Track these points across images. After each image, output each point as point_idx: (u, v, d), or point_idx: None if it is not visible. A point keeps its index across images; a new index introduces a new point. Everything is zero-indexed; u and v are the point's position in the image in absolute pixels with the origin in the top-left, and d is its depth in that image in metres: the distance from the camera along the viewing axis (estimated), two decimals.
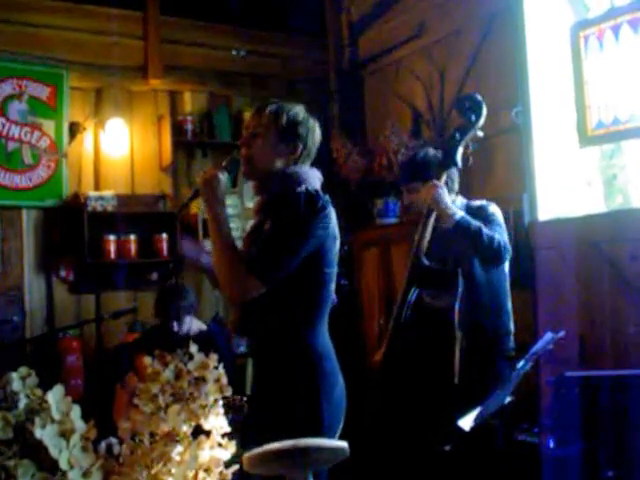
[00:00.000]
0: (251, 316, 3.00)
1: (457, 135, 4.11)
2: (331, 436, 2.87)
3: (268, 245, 2.89)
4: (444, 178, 4.18)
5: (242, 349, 6.28)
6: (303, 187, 2.94)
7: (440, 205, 4.08)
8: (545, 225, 5.57)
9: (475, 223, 4.12)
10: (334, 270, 3.03)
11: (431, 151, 4.59)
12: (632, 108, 4.90)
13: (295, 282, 2.91)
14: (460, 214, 4.11)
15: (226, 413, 2.01)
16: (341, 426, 2.96)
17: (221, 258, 2.92)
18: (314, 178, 3.07)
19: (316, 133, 3.12)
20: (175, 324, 5.11)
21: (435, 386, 3.85)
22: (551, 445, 3.95)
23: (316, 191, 2.96)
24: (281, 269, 2.86)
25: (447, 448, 3.78)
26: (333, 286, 3.06)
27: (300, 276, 2.91)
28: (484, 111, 4.09)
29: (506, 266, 4.43)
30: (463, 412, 3.42)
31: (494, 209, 4.40)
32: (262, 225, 3.04)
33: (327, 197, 2.97)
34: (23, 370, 1.65)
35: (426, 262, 4.04)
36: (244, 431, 3.01)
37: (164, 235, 6.83)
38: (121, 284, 6.77)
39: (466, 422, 3.39)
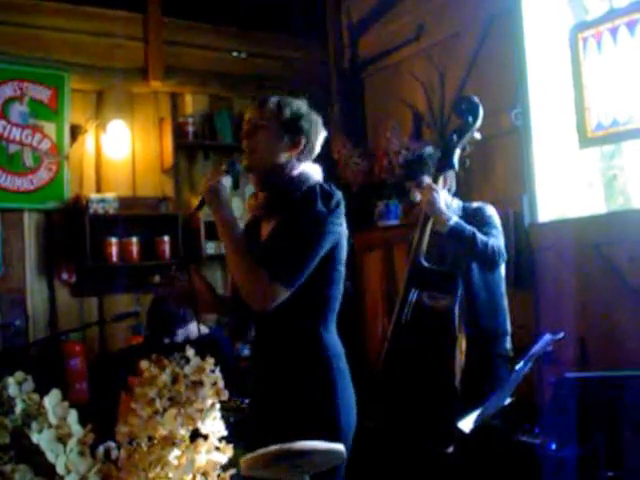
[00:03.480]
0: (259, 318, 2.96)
1: (454, 137, 4.12)
2: (348, 437, 2.84)
3: (288, 247, 2.82)
4: (441, 180, 4.20)
5: (246, 352, 6.29)
6: (313, 182, 2.92)
7: (435, 209, 4.10)
8: (545, 226, 5.58)
9: (469, 228, 4.14)
10: (344, 268, 3.00)
11: (431, 148, 4.64)
12: (631, 109, 4.91)
13: (309, 281, 2.85)
14: (454, 219, 4.12)
15: (227, 416, 2.02)
16: (355, 426, 2.93)
17: (239, 267, 2.85)
18: (318, 174, 3.04)
19: (319, 128, 3.08)
20: (166, 338, 5.07)
21: (435, 387, 3.86)
22: (551, 446, 3.95)
23: (330, 186, 2.92)
24: (304, 271, 2.81)
25: (450, 450, 3.78)
26: (342, 285, 3.02)
27: (314, 275, 2.85)
28: (481, 113, 4.10)
29: (502, 267, 4.45)
30: (462, 413, 3.43)
31: (491, 211, 4.42)
32: (258, 222, 3.06)
33: (340, 194, 2.93)
34: (19, 375, 1.66)
35: (425, 263, 4.04)
36: (247, 434, 2.99)
37: (166, 238, 6.83)
38: (123, 287, 6.77)
39: (466, 424, 3.40)
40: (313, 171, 3.02)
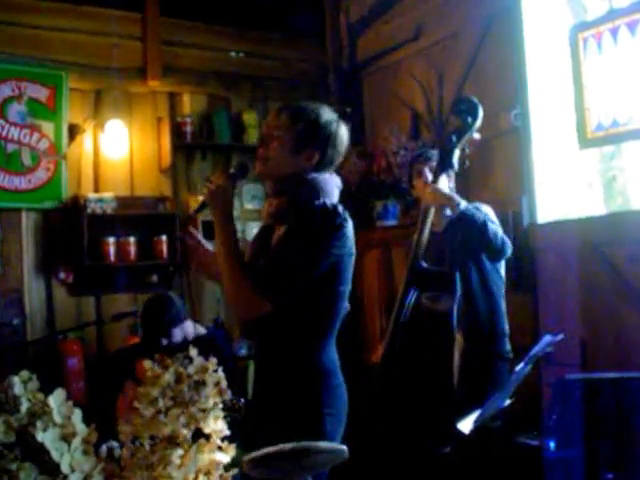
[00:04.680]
0: (259, 328, 2.94)
1: (453, 138, 4.13)
2: None
3: (278, 263, 2.80)
4: (441, 181, 4.20)
5: (243, 352, 6.29)
6: (322, 201, 2.85)
7: (444, 197, 4.11)
8: (544, 227, 5.58)
9: (480, 214, 4.15)
10: (348, 287, 2.97)
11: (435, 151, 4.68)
12: (631, 110, 4.91)
13: (307, 298, 2.84)
14: (464, 203, 4.13)
15: (224, 416, 2.01)
16: (341, 437, 2.91)
17: (227, 274, 2.84)
18: (333, 187, 2.97)
19: (339, 139, 2.97)
20: (163, 340, 5.06)
21: (434, 388, 3.86)
22: (552, 447, 3.95)
23: (334, 206, 2.87)
24: (289, 289, 2.79)
25: (447, 450, 3.79)
26: (346, 302, 2.98)
27: (313, 292, 2.84)
28: (480, 113, 4.10)
29: (502, 268, 4.45)
30: (461, 414, 3.43)
31: (487, 210, 4.44)
32: (271, 230, 2.98)
33: (346, 213, 2.88)
34: (24, 374, 1.66)
35: (424, 264, 4.04)
36: (244, 435, 2.99)
37: (164, 237, 6.83)
38: (121, 287, 6.77)
39: (465, 425, 3.39)
40: (327, 183, 2.94)
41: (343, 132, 3.00)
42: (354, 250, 2.97)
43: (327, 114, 2.98)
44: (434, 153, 4.59)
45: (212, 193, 2.88)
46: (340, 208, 2.89)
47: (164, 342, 5.06)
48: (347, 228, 2.88)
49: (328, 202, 2.87)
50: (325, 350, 2.93)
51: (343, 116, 3.07)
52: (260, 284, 2.77)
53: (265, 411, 2.99)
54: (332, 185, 2.97)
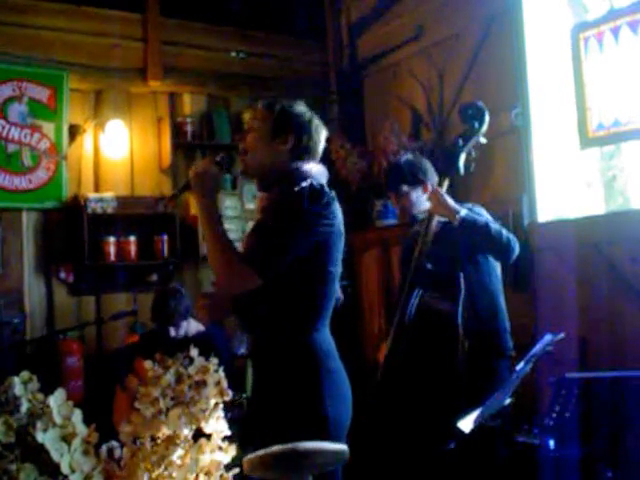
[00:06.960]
0: (253, 312, 2.97)
1: (460, 142, 4.14)
2: (339, 435, 2.84)
3: (266, 237, 2.85)
4: (446, 184, 4.21)
5: (242, 351, 6.27)
6: (308, 182, 2.91)
7: (446, 207, 4.11)
8: (544, 226, 5.58)
9: (481, 218, 4.15)
10: (338, 269, 2.99)
11: (410, 155, 4.67)
12: (632, 109, 4.91)
13: (298, 280, 2.87)
14: (464, 211, 4.13)
15: (225, 411, 2.01)
16: (349, 424, 2.94)
17: (214, 248, 2.89)
18: (320, 174, 3.03)
19: (314, 128, 3.07)
20: (171, 329, 5.12)
21: (438, 386, 3.87)
22: (551, 446, 3.95)
23: (321, 186, 2.93)
24: (277, 262, 2.82)
25: (451, 446, 3.79)
26: (337, 285, 3.02)
27: (303, 274, 2.87)
28: (487, 118, 4.12)
29: (498, 266, 4.45)
30: (463, 413, 3.43)
31: (481, 211, 4.43)
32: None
33: (333, 193, 2.94)
34: (25, 374, 1.66)
35: (429, 266, 4.06)
36: (244, 432, 2.99)
37: (164, 236, 6.83)
38: (121, 286, 6.77)
39: (466, 424, 3.39)
40: (312, 171, 3.00)
41: (317, 121, 3.10)
42: (343, 231, 3.00)
43: (300, 106, 3.09)
44: (401, 165, 4.57)
45: (196, 174, 2.93)
46: (326, 188, 2.95)
47: (172, 332, 5.12)
48: (334, 206, 2.92)
49: (314, 182, 2.93)
50: (319, 333, 2.95)
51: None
52: (249, 257, 2.83)
53: (265, 405, 3.00)
54: (318, 172, 3.03)
